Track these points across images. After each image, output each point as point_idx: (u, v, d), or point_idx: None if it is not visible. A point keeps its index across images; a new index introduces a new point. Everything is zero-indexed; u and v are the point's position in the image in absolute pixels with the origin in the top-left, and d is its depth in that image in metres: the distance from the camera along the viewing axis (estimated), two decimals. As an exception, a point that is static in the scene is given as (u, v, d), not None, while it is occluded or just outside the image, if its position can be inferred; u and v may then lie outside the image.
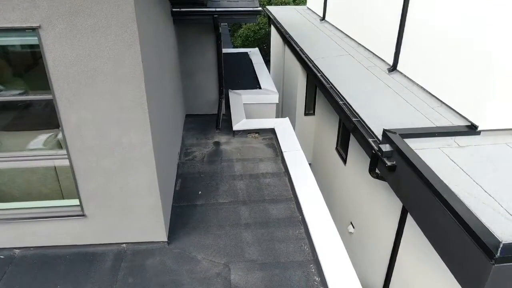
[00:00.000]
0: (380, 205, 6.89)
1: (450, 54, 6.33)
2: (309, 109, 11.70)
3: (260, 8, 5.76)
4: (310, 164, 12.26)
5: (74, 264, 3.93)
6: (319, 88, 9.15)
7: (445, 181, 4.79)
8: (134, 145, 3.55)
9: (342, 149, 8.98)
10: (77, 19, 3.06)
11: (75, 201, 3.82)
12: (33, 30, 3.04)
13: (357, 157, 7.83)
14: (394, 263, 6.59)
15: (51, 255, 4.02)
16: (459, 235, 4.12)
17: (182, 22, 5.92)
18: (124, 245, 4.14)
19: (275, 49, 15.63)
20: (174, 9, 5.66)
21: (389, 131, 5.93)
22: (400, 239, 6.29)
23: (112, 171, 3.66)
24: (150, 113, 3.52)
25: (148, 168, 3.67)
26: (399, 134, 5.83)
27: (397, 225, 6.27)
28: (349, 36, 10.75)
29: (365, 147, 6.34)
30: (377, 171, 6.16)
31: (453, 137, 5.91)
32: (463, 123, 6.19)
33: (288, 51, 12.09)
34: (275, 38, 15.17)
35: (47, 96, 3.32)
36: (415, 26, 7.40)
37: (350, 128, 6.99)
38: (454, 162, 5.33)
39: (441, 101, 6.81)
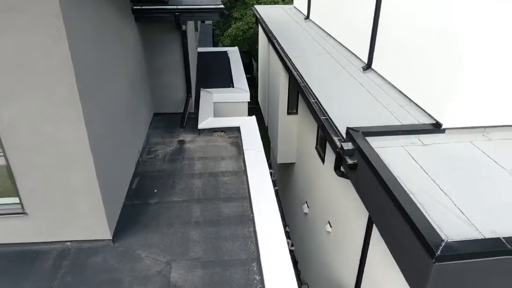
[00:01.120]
0: (352, 204, 6.85)
1: (418, 52, 6.30)
2: (292, 108, 11.64)
3: (222, 6, 5.74)
4: (293, 163, 12.27)
5: (15, 263, 3.91)
6: (296, 87, 9.12)
7: (402, 179, 4.76)
8: (69, 142, 3.53)
9: (321, 148, 8.95)
10: (6, 15, 3.05)
11: (15, 199, 3.80)
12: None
13: (333, 156, 7.80)
14: (365, 263, 6.55)
15: (-6, 253, 4.02)
16: (407, 234, 4.08)
17: (146, 20, 5.91)
18: (68, 243, 4.13)
19: (262, 49, 15.61)
20: (135, 7, 5.65)
21: (352, 129, 5.90)
22: (369, 238, 6.24)
23: (49, 168, 3.65)
24: (86, 109, 3.50)
25: (85, 165, 3.66)
26: (361, 132, 5.79)
27: (365, 225, 6.24)
28: (330, 35, 10.72)
29: (332, 146, 6.31)
30: (341, 169, 6.13)
31: (417, 135, 5.87)
32: (428, 121, 6.14)
33: (272, 50, 12.07)
34: (261, 37, 15.15)
35: (-24, 94, 3.31)
36: (388, 23, 7.37)
37: (319, 126, 6.96)
38: (415, 161, 5.29)
39: (409, 99, 6.76)
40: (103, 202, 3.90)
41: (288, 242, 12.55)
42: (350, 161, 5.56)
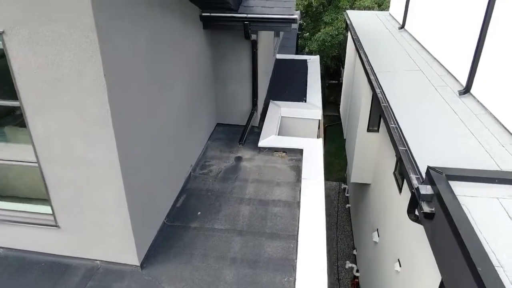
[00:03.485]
0: (427, 252, 5.85)
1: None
2: (373, 125, 10.63)
3: (296, 16, 5.15)
4: (369, 184, 11.25)
5: (46, 273, 3.81)
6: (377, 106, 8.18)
7: (491, 245, 3.79)
8: (99, 162, 3.28)
9: (399, 175, 7.93)
10: (40, 27, 2.85)
11: (48, 208, 3.68)
12: (-2, 34, 2.91)
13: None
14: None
15: (30, 259, 3.97)
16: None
17: (214, 27, 5.57)
18: (98, 262, 3.92)
19: (349, 57, 14.64)
20: (203, 14, 5.33)
21: (433, 169, 4.93)
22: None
23: (80, 184, 3.45)
24: (119, 130, 3.21)
25: (114, 186, 3.38)
26: (445, 175, 4.81)
27: (439, 284, 5.24)
28: (425, 49, 9.49)
29: (408, 183, 5.39)
30: (416, 213, 5.20)
31: (520, 186, 4.71)
32: (538, 170, 4.93)
33: (358, 60, 11.15)
34: (349, 45, 14.19)
35: (15, 103, 3.19)
36: (498, 39, 6.12)
37: (397, 157, 6.04)
38: (512, 220, 4.22)
39: (515, 137, 5.53)
40: (133, 226, 3.60)
41: (353, 267, 11.60)
42: (426, 209, 4.64)
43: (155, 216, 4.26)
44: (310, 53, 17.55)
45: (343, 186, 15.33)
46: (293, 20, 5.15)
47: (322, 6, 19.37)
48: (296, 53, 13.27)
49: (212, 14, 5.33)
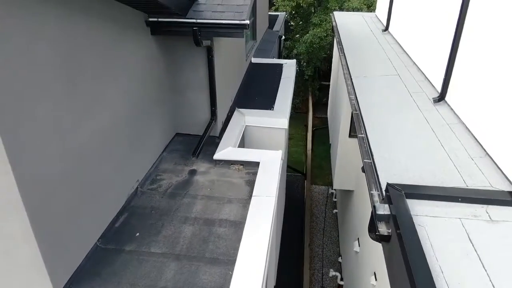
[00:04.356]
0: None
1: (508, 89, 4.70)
2: (355, 131, 10.29)
3: (247, 22, 4.79)
4: (352, 191, 10.88)
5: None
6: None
7: (445, 275, 3.45)
8: (-3, 188, 2.94)
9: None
10: None
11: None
12: None
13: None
14: None
15: None
16: None
17: (164, 33, 5.22)
18: (13, 293, 3.58)
19: (334, 60, 14.29)
20: (150, 19, 4.98)
21: (393, 186, 4.58)
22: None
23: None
24: (15, 150, 2.87)
25: (17, 213, 3.04)
26: (405, 193, 4.45)
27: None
28: (406, 52, 9.11)
29: (370, 199, 5.03)
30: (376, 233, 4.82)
31: (485, 206, 4.36)
32: (507, 187, 4.57)
33: (341, 63, 10.80)
34: (335, 47, 13.84)
35: None
36: (472, 44, 5.74)
37: (362, 169, 5.68)
38: (473, 244, 3.87)
39: (485, 150, 5.16)
40: (45, 254, 3.25)
41: (337, 276, 11.24)
42: (383, 230, 4.28)
43: (82, 239, 3.91)
44: (299, 55, 17.18)
45: (331, 190, 14.97)
46: (244, 26, 4.79)
47: (313, 8, 19.01)
48: (280, 56, 12.91)
49: (159, 20, 4.97)
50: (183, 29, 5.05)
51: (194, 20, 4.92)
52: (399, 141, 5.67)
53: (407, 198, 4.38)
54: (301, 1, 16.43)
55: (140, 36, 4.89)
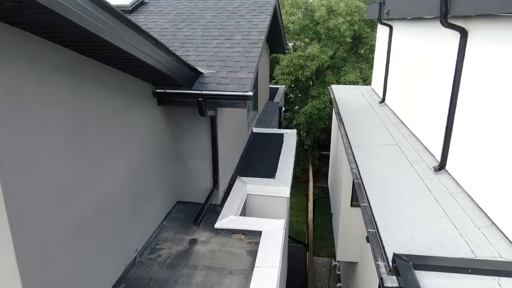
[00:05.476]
0: None
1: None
2: (356, 200, 10.22)
3: (250, 93, 5.01)
4: (356, 262, 10.48)
5: None
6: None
7: None
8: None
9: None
10: None
11: None
12: None
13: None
14: None
15: None
16: None
17: (169, 103, 5.43)
18: None
19: (333, 130, 14.62)
20: (157, 90, 5.20)
21: (400, 257, 4.44)
22: None
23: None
24: (16, 220, 2.84)
25: (13, 283, 2.92)
26: (412, 264, 4.31)
27: None
28: (403, 122, 9.37)
29: (377, 270, 4.85)
30: (386, 308, 4.57)
31: (497, 278, 4.19)
32: (516, 257, 4.43)
33: (340, 133, 11.05)
34: (334, 118, 14.24)
35: None
36: (470, 113, 5.91)
37: (366, 239, 5.56)
38: (488, 321, 3.65)
39: (490, 219, 5.09)
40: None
41: None
42: (390, 305, 4.08)
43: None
44: (298, 125, 17.64)
45: (334, 262, 14.45)
46: (247, 97, 5.00)
47: (311, 81, 19.91)
48: (280, 127, 13.25)
49: (166, 91, 5.20)
50: (188, 99, 5.25)
51: (199, 92, 5.14)
52: (402, 210, 5.62)
53: (415, 269, 4.24)
54: (299, 76, 17.25)
55: (146, 106, 5.07)
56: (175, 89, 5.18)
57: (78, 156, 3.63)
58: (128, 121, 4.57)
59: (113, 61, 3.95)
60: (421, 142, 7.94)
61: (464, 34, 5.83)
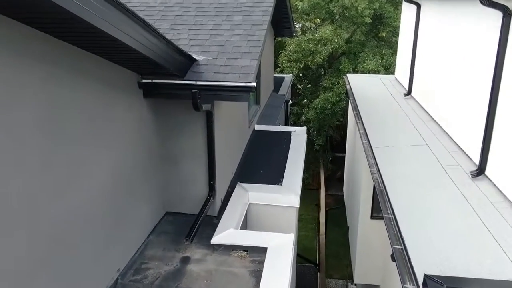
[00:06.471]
0: None
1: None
2: (378, 211, 10.19)
3: (253, 84, 4.99)
4: (378, 286, 10.49)
5: None
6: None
7: None
8: None
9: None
10: None
11: None
12: None
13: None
14: None
15: None
16: None
17: (157, 96, 5.41)
18: None
19: (350, 128, 14.63)
20: (143, 80, 5.18)
21: (432, 278, 4.45)
22: None
23: None
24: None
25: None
26: (447, 287, 4.30)
27: None
28: (434, 119, 9.35)
29: (405, 293, 4.84)
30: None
31: (548, 304, 4.17)
32: None
33: (358, 132, 11.05)
34: (350, 113, 14.24)
35: None
36: None
37: (392, 257, 5.55)
38: None
39: (540, 235, 5.07)
40: None
41: None
42: (422, 334, 4.07)
43: None
44: (308, 122, 17.62)
45: (351, 286, 14.43)
46: (251, 89, 4.98)
47: (323, 69, 19.90)
48: (286, 123, 13.25)
49: (154, 81, 5.18)
50: (180, 91, 5.24)
51: (193, 82, 5.12)
52: (434, 223, 5.62)
53: (450, 293, 4.24)
54: (309, 63, 17.23)
55: (131, 99, 5.06)
56: (164, 79, 5.17)
57: (51, 160, 3.61)
58: (109, 117, 4.56)
59: (90, 44, 3.92)
60: (456, 142, 7.93)
61: (507, 13, 5.82)
